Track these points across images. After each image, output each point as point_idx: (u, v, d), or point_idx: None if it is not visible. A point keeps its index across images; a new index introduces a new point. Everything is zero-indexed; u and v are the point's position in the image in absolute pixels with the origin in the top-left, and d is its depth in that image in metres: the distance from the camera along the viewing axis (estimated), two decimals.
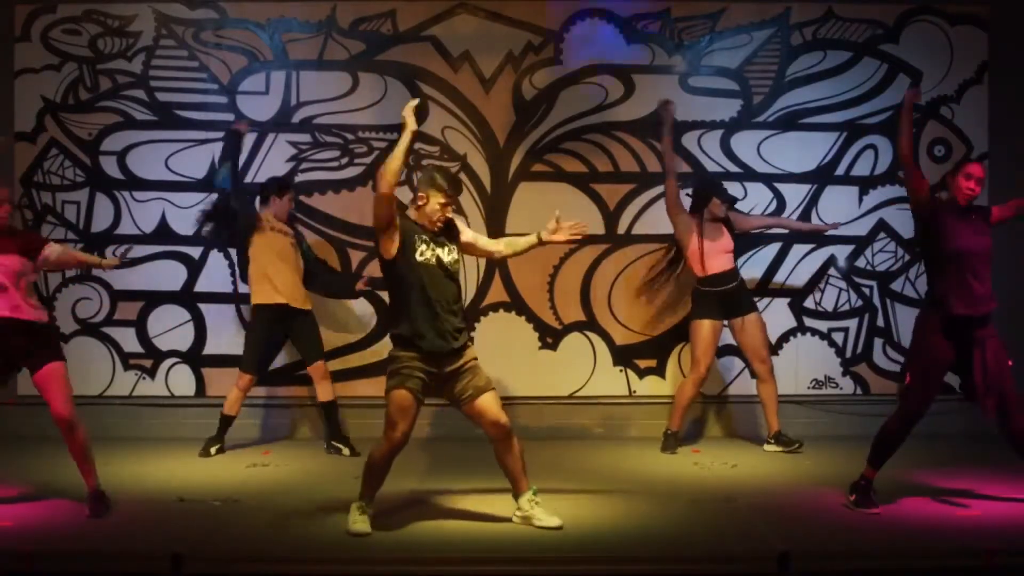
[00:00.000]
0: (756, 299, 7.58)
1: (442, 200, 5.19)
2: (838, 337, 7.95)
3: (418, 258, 5.16)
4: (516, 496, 5.37)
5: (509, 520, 5.38)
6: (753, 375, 7.48)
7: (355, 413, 7.62)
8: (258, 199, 7.29)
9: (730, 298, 7.22)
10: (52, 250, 5.64)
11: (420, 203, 5.21)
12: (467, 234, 5.46)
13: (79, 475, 5.60)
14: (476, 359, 5.32)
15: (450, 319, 5.19)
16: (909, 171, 5.64)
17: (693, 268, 7.28)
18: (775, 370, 7.32)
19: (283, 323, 7.16)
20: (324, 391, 7.23)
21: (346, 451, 7.16)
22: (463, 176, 7.77)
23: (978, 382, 5.44)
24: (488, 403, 5.23)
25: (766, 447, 7.28)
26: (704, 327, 7.22)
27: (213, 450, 7.10)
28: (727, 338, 7.47)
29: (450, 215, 5.28)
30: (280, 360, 7.62)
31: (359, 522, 5.19)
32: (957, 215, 5.52)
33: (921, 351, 5.57)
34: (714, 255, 7.19)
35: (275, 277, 7.06)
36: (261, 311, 7.11)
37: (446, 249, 5.25)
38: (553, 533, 5.22)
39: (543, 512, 5.33)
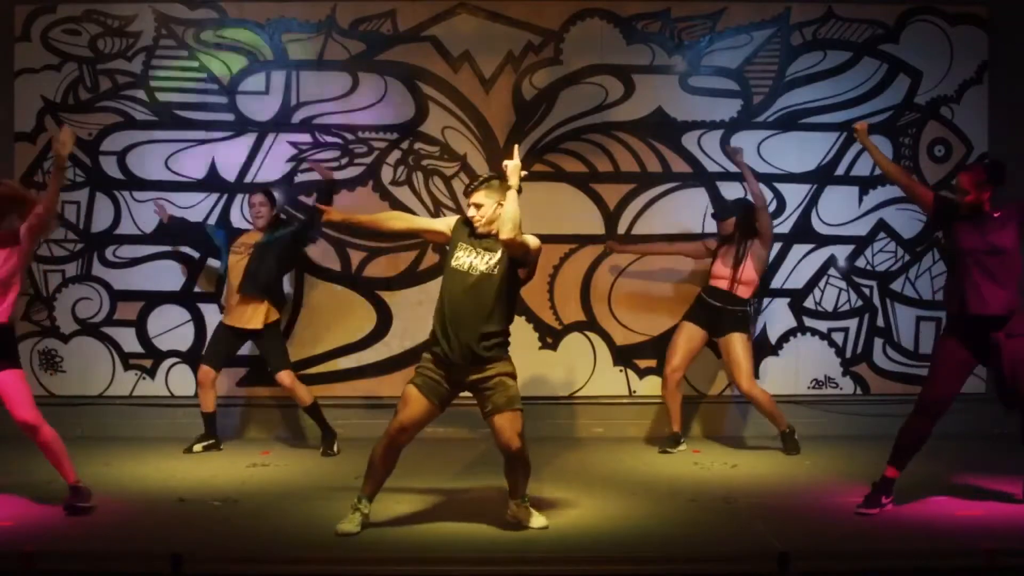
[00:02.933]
0: (756, 299, 7.56)
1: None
2: (838, 337, 7.94)
3: (452, 263, 5.21)
4: (510, 497, 5.42)
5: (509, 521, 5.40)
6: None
7: (356, 413, 7.63)
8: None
9: (718, 315, 7.21)
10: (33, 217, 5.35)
11: None
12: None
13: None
14: (506, 375, 5.22)
15: (470, 329, 5.12)
16: (905, 188, 5.93)
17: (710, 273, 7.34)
18: (772, 372, 7.40)
19: (241, 338, 7.24)
20: (300, 397, 7.21)
21: (321, 448, 7.16)
22: (463, 176, 7.77)
23: (1004, 383, 5.46)
24: (502, 425, 5.18)
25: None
26: (684, 328, 7.31)
27: (198, 447, 7.12)
28: None
29: (473, 212, 5.24)
30: None
31: (348, 522, 5.19)
32: (965, 216, 5.56)
33: (936, 345, 5.75)
34: (719, 274, 7.21)
35: (233, 302, 7.14)
36: (222, 324, 7.25)
37: (487, 256, 5.20)
38: (553, 533, 5.23)
39: (530, 514, 5.36)
